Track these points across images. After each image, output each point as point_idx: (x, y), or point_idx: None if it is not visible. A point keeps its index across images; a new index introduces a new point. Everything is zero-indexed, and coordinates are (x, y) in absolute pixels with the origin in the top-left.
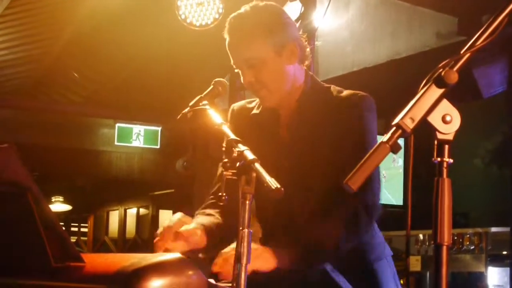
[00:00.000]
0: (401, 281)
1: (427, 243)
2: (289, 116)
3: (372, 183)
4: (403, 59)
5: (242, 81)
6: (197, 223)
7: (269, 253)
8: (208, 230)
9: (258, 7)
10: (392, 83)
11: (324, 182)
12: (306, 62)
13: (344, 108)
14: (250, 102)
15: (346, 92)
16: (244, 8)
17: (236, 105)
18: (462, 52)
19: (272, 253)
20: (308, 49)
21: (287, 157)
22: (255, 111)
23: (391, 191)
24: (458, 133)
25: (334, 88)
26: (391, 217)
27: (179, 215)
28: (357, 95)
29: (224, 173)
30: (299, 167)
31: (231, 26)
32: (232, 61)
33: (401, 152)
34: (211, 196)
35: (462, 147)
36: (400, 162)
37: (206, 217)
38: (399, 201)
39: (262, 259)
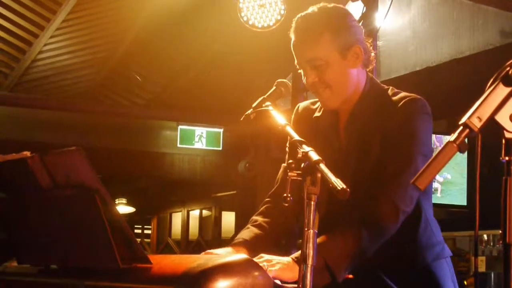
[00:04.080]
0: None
1: (491, 244)
2: (346, 119)
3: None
4: (466, 58)
5: (304, 82)
6: (238, 240)
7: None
8: (249, 245)
9: (325, 8)
10: (455, 82)
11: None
12: (370, 67)
13: (394, 110)
14: (314, 103)
15: (399, 95)
16: (312, 8)
17: (301, 105)
18: None
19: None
20: (372, 54)
21: (343, 161)
22: (316, 113)
23: (455, 191)
24: None
25: (391, 90)
26: (455, 218)
27: (225, 250)
28: (408, 98)
29: (289, 173)
30: (352, 171)
31: (297, 26)
32: (295, 61)
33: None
34: (268, 199)
35: None
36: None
37: (252, 230)
38: (463, 201)
39: (291, 271)
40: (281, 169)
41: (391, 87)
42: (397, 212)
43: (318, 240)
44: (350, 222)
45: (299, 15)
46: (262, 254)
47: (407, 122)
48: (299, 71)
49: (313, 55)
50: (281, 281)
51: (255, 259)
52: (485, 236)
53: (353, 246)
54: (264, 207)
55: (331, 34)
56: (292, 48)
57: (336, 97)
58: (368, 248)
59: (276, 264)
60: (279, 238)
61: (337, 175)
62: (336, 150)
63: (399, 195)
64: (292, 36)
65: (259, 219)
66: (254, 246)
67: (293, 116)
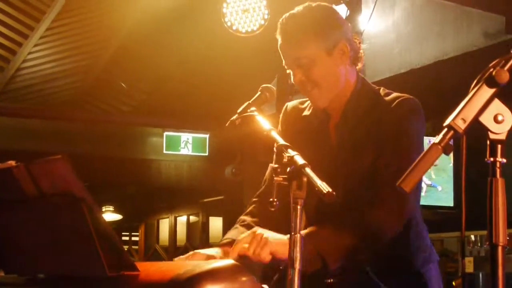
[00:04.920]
0: (453, 283)
1: (479, 244)
2: (337, 118)
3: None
4: (451, 60)
5: (292, 81)
6: (226, 240)
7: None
8: None
9: (309, 7)
10: (439, 84)
11: (362, 184)
12: (359, 65)
13: (387, 111)
14: (303, 103)
15: (391, 95)
16: (297, 8)
17: (290, 104)
18: None
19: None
20: (361, 51)
21: (334, 160)
22: (305, 112)
23: (442, 192)
24: None
25: (383, 90)
26: (442, 219)
27: (213, 250)
28: (401, 97)
29: (275, 178)
30: (344, 170)
31: (282, 26)
32: (283, 62)
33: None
34: (255, 199)
35: None
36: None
37: (240, 230)
38: (450, 203)
39: (287, 247)
40: (268, 169)
41: (382, 88)
42: (397, 217)
43: (309, 229)
44: (345, 221)
45: (284, 16)
46: (256, 228)
47: (402, 123)
48: (287, 71)
49: (298, 54)
50: (275, 260)
51: (250, 232)
52: (472, 237)
53: (347, 241)
54: (251, 206)
55: (316, 32)
56: (279, 49)
57: (324, 95)
58: (362, 248)
59: (271, 240)
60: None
61: (328, 174)
62: (327, 149)
63: (398, 199)
64: (278, 37)
65: (247, 218)
66: None
67: (281, 116)
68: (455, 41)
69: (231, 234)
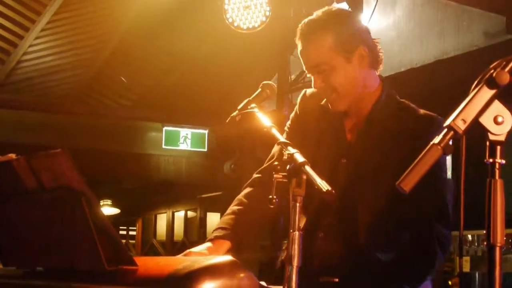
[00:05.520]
0: (450, 282)
1: (476, 244)
2: (358, 121)
3: (447, 211)
4: (451, 59)
5: (313, 86)
6: (217, 234)
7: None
8: (229, 236)
9: (328, 13)
10: (440, 83)
11: (388, 196)
12: (380, 67)
13: (421, 127)
14: None
15: (424, 111)
16: (316, 13)
17: (308, 91)
18: None
19: None
20: (381, 54)
21: (347, 157)
22: (324, 102)
23: None
24: None
25: (410, 104)
26: None
27: (205, 246)
28: (437, 118)
29: (275, 175)
30: (358, 168)
31: (302, 33)
32: (303, 67)
33: None
34: (258, 175)
35: None
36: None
37: (230, 217)
38: None
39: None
40: (276, 147)
41: (407, 101)
42: (435, 260)
43: None
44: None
45: (303, 21)
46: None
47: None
48: (308, 75)
49: (317, 61)
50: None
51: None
52: (469, 237)
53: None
54: (253, 179)
55: (334, 39)
56: (299, 54)
57: (343, 99)
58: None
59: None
60: (264, 214)
61: (335, 167)
62: (340, 143)
63: (436, 245)
64: (298, 42)
65: (242, 198)
66: (234, 233)
67: (299, 100)
68: (455, 41)
69: (222, 221)
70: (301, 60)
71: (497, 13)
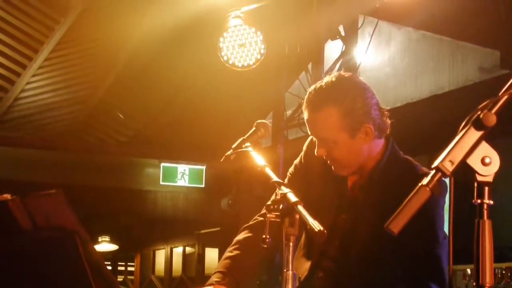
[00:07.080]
0: None
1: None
2: (362, 177)
3: (439, 268)
4: (446, 94)
5: (315, 153)
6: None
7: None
8: (227, 279)
9: (337, 84)
10: (435, 117)
11: (386, 252)
12: (387, 132)
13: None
14: None
15: (424, 170)
16: (325, 80)
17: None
18: (500, 94)
19: None
20: (388, 122)
21: (347, 213)
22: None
23: None
24: (507, 162)
25: (412, 162)
26: None
27: None
28: None
29: (268, 215)
30: (357, 224)
31: (309, 101)
32: (309, 132)
33: None
34: (260, 219)
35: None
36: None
37: (227, 261)
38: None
39: None
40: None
41: (410, 158)
42: None
43: None
44: None
45: (312, 87)
46: None
47: (436, 203)
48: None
49: (322, 135)
50: None
51: None
52: (468, 271)
53: None
54: (255, 221)
55: (340, 115)
56: (305, 121)
57: (344, 169)
58: None
59: None
60: (261, 255)
61: (335, 220)
62: (342, 197)
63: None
64: (305, 111)
65: (241, 241)
66: (232, 277)
67: (305, 148)
68: (450, 76)
69: (220, 265)
70: (307, 126)
71: (492, 48)
